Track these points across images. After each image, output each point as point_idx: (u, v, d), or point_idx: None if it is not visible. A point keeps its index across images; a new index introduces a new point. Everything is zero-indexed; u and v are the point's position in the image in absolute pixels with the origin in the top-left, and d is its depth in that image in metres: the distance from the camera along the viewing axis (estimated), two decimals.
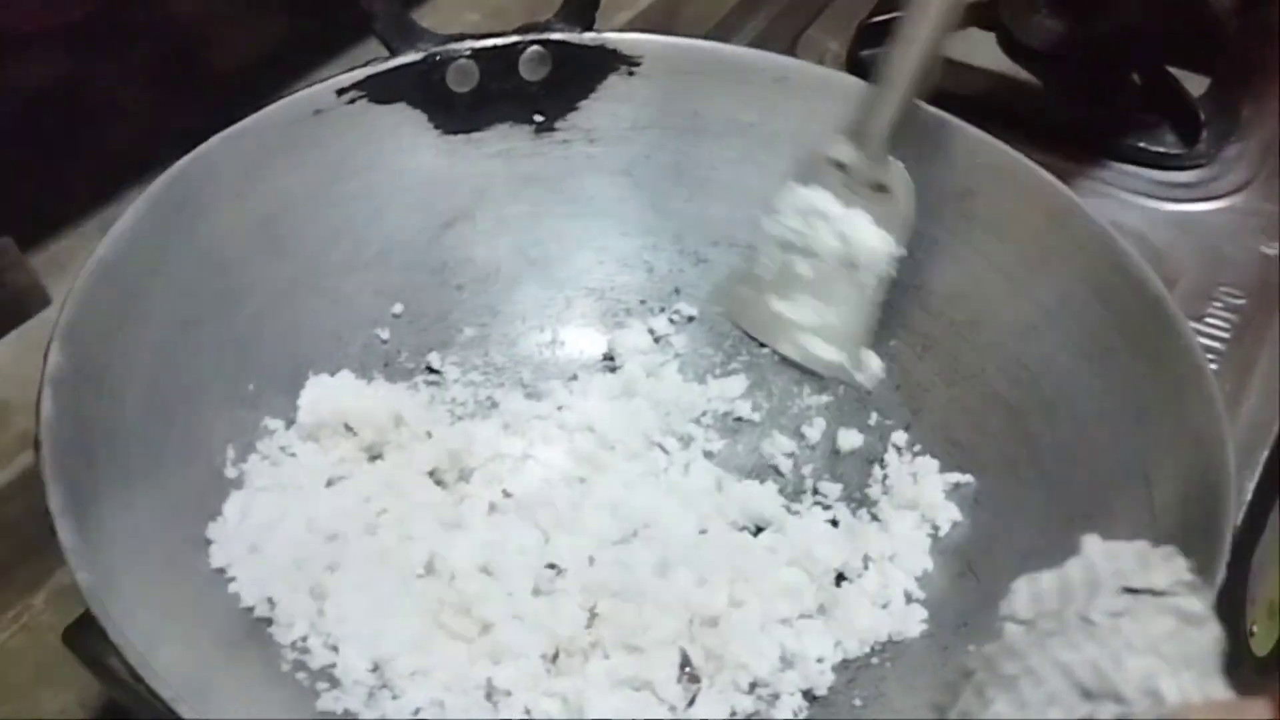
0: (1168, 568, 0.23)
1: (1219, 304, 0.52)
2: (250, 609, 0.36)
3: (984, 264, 0.46)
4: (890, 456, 0.46)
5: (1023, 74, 0.63)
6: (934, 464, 0.44)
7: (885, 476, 0.45)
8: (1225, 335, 0.50)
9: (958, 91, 0.61)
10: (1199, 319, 0.51)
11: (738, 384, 0.49)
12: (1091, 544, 0.24)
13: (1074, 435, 0.41)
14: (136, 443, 0.36)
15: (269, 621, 0.36)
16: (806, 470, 0.47)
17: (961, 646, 0.38)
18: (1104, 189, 0.57)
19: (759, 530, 0.44)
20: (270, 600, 0.36)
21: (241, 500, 0.39)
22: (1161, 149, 0.60)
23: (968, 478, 0.43)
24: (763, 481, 0.46)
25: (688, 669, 0.37)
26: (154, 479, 0.36)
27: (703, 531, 0.43)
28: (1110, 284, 0.41)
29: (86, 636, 0.42)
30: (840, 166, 0.45)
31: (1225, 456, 0.34)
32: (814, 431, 0.48)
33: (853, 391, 0.48)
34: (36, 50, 0.55)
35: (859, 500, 0.45)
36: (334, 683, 0.35)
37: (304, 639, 0.36)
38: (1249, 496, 0.43)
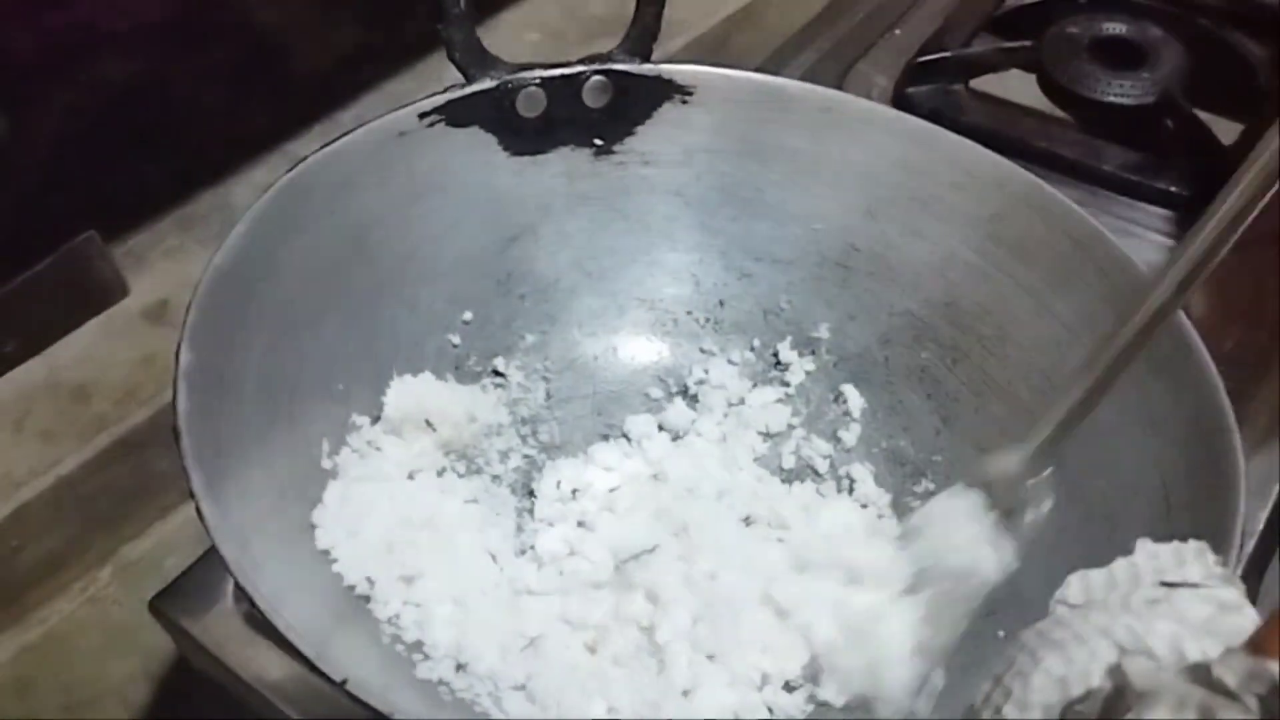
0: (1200, 562, 0.27)
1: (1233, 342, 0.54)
2: (352, 587, 0.40)
3: (1011, 284, 0.50)
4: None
5: (1059, 113, 0.67)
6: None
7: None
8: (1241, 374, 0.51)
9: (997, 127, 0.65)
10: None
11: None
12: (1141, 545, 0.28)
13: (1094, 443, 0.44)
14: (251, 435, 0.40)
15: (368, 599, 0.40)
16: (842, 471, 0.51)
17: (991, 632, 0.42)
18: (1131, 228, 0.60)
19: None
20: (369, 579, 0.40)
21: (338, 489, 0.42)
22: (1189, 193, 0.62)
23: None
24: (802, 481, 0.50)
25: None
26: (267, 467, 0.40)
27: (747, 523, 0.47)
28: (1129, 306, 0.45)
29: (171, 605, 0.46)
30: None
31: (1235, 461, 0.38)
32: (849, 436, 0.52)
33: (887, 401, 0.52)
34: (118, 49, 0.59)
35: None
36: (426, 655, 0.39)
37: (397, 615, 0.40)
38: (1260, 526, 0.46)
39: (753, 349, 0.55)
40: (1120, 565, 0.27)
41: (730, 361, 0.55)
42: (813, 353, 0.54)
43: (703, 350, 0.55)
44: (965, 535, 0.39)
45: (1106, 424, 0.44)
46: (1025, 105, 0.68)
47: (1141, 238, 0.61)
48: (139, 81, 0.61)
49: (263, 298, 0.43)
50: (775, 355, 0.54)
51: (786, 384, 0.54)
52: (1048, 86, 0.68)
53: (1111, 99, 0.65)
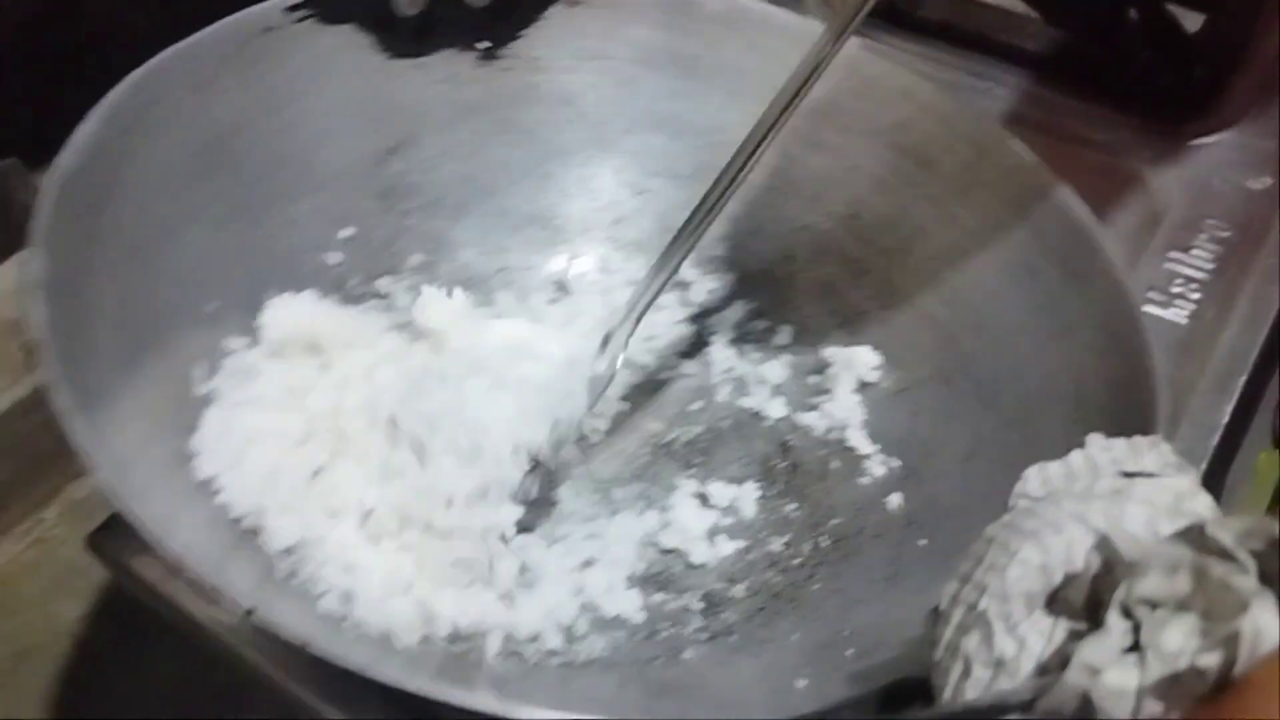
0: (1155, 452, 0.26)
1: (1205, 236, 0.53)
2: (239, 519, 0.36)
3: (914, 194, 0.49)
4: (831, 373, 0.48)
5: (1021, 8, 0.63)
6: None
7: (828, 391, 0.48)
8: (1210, 267, 0.52)
9: (960, 24, 0.61)
10: (1185, 250, 0.52)
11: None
12: (1092, 439, 0.27)
13: (1004, 350, 0.44)
14: (115, 357, 0.35)
15: (256, 532, 0.36)
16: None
17: (912, 542, 0.42)
18: (1098, 124, 0.58)
19: None
20: (258, 510, 0.36)
21: (217, 415, 0.38)
22: (1155, 84, 0.60)
23: (905, 389, 0.47)
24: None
25: None
26: (136, 391, 0.35)
27: None
28: (1035, 210, 0.45)
29: (110, 541, 0.41)
30: None
31: (1151, 364, 0.38)
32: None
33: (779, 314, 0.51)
34: None
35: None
36: (325, 591, 0.36)
37: (291, 547, 0.36)
38: (1225, 419, 0.45)
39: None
40: (1076, 457, 0.26)
41: (629, 282, 0.52)
42: (714, 271, 0.52)
43: (601, 270, 0.52)
44: None
45: (1013, 330, 0.44)
46: (986, 3, 0.63)
47: (1110, 133, 0.58)
48: (52, 6, 0.55)
49: (115, 207, 0.38)
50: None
51: (689, 304, 0.52)
52: None
53: None
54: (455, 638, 0.36)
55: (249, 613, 0.26)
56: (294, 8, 0.45)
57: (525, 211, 0.52)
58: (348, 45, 0.47)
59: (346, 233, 0.48)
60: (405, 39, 0.48)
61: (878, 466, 0.45)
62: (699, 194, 0.51)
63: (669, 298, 0.51)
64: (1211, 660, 0.19)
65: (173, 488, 0.34)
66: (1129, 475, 0.25)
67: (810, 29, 0.50)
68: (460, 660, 0.36)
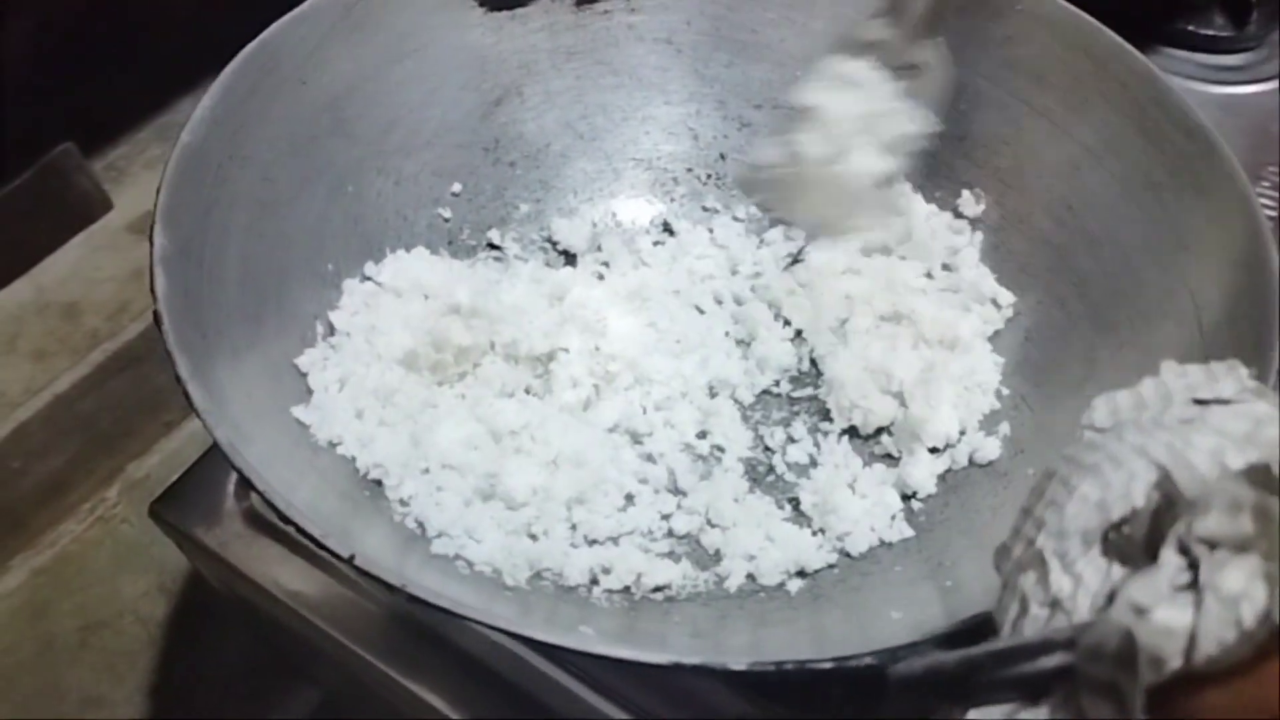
0: (1232, 377, 0.25)
1: (1267, 183, 0.52)
2: (362, 472, 0.38)
3: (1026, 110, 0.47)
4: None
5: None
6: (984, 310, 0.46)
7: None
8: (1272, 213, 0.51)
9: None
10: None
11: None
12: (1166, 366, 0.26)
13: (1120, 268, 0.42)
14: (239, 317, 0.38)
15: (379, 482, 0.38)
16: None
17: (1020, 472, 0.41)
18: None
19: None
20: (378, 464, 0.38)
21: (337, 373, 0.41)
22: (1211, 32, 0.60)
23: (1013, 315, 0.46)
24: None
25: None
26: (258, 350, 0.38)
27: None
28: (1153, 120, 0.42)
29: (170, 510, 0.45)
30: (875, 46, 0.43)
31: (1272, 273, 0.36)
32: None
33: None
34: None
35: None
36: (441, 533, 0.38)
37: (411, 496, 0.39)
38: None
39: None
40: (1148, 385, 0.25)
41: (735, 218, 0.52)
42: None
43: (705, 209, 0.52)
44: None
45: (1131, 248, 0.42)
46: None
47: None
48: None
49: (236, 176, 0.41)
50: None
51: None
52: None
53: None
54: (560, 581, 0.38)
55: (351, 558, 0.28)
56: None
57: (629, 155, 0.52)
58: (446, 2, 0.48)
59: (456, 187, 0.49)
60: None
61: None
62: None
63: (775, 233, 0.51)
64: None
65: (294, 440, 0.37)
66: (1202, 403, 0.24)
67: None
68: (567, 598, 0.37)
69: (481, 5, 0.49)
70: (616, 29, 0.51)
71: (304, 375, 0.40)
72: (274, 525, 0.44)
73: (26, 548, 0.61)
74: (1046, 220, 0.46)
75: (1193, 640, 0.19)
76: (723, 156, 0.53)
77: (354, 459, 0.38)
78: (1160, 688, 0.19)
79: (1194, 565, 0.20)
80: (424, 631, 0.42)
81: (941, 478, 0.42)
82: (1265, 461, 0.20)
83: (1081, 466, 0.23)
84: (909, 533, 0.40)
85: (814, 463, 0.44)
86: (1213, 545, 0.19)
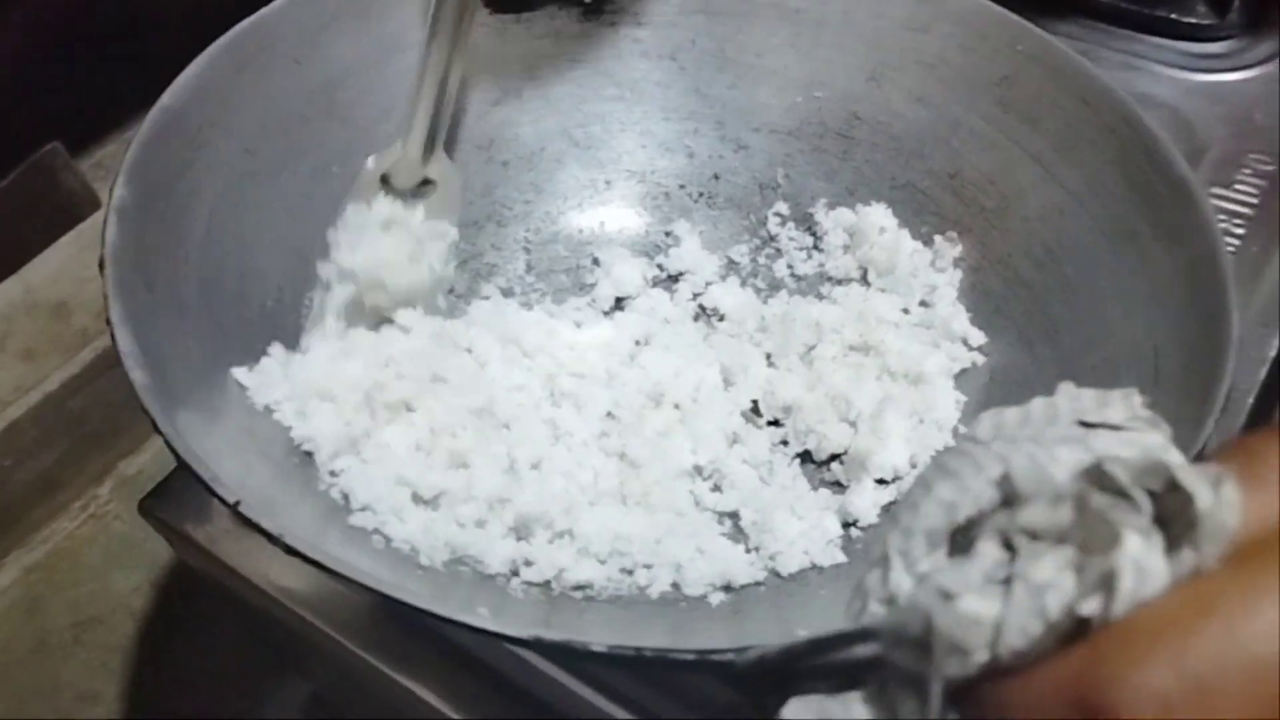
0: (1124, 404, 0.23)
1: (1248, 170, 0.53)
2: (293, 441, 0.38)
3: (1017, 151, 0.46)
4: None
5: None
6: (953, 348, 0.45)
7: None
8: (1254, 201, 0.52)
9: None
10: (1228, 186, 0.52)
11: None
12: (1063, 387, 0.25)
13: (1091, 315, 0.41)
14: (194, 278, 0.39)
15: (309, 455, 0.39)
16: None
17: None
18: (1136, 62, 0.59)
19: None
20: (312, 436, 0.38)
21: (287, 342, 0.41)
22: (1193, 20, 0.60)
23: (982, 359, 0.45)
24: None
25: None
26: (207, 313, 0.39)
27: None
28: (1138, 167, 0.41)
29: (160, 506, 0.45)
30: (386, 179, 0.46)
31: (1230, 328, 0.35)
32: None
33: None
34: None
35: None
36: (365, 506, 0.38)
37: (341, 470, 0.39)
38: (1273, 353, 0.46)
39: (747, 224, 0.52)
40: (1037, 403, 0.24)
41: (730, 238, 0.52)
42: (809, 230, 0.51)
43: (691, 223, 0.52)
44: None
45: (1106, 294, 0.41)
46: None
47: (1148, 71, 0.59)
48: None
49: (216, 144, 0.41)
50: (769, 233, 0.52)
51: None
52: None
53: None
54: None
55: (235, 505, 0.28)
56: None
57: (624, 166, 0.53)
58: None
59: None
60: None
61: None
62: (798, 148, 0.51)
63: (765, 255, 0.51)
64: (1091, 605, 0.18)
65: (230, 403, 0.37)
66: (1089, 425, 0.23)
67: None
68: (483, 585, 0.37)
69: (488, 6, 0.50)
70: (622, 41, 0.52)
71: (255, 340, 0.40)
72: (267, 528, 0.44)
73: (19, 545, 0.62)
74: (1026, 263, 0.45)
75: (998, 632, 0.18)
76: (716, 176, 0.53)
77: (289, 428, 0.38)
78: (968, 683, 0.18)
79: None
80: (413, 627, 0.42)
81: (885, 508, 0.41)
82: (1099, 461, 0.19)
83: (944, 470, 0.22)
84: (841, 559, 0.39)
85: (763, 482, 0.43)
86: (1034, 537, 0.19)
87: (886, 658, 0.19)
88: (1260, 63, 0.59)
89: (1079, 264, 0.43)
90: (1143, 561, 0.18)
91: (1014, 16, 0.47)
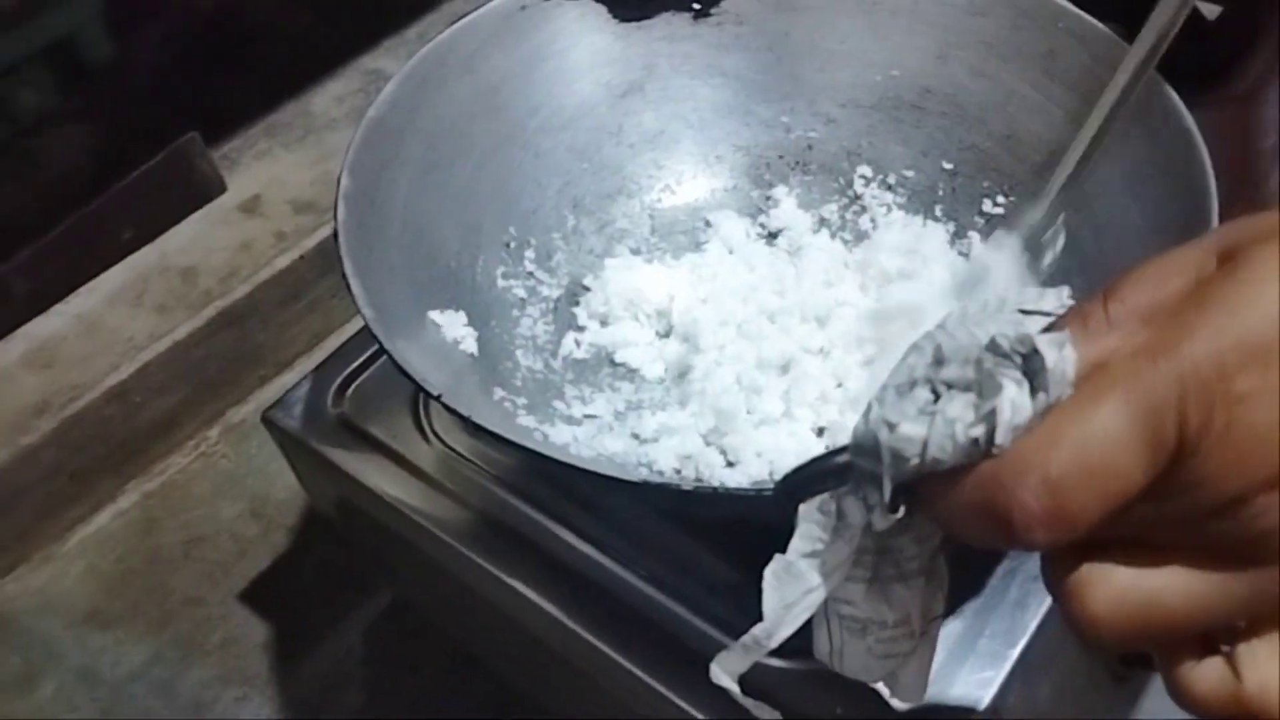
0: (1056, 296, 0.31)
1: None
2: (472, 355, 0.51)
3: (1062, 115, 0.54)
4: None
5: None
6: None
7: None
8: None
9: None
10: None
11: None
12: (1024, 289, 0.34)
13: (1115, 250, 0.50)
14: (395, 245, 0.51)
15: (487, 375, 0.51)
16: None
17: None
18: None
19: None
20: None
21: (476, 294, 0.54)
22: (1173, 56, 0.65)
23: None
24: None
25: None
26: (407, 271, 0.51)
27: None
28: (1152, 120, 0.49)
29: (280, 415, 0.58)
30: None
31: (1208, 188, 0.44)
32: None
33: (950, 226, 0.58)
34: None
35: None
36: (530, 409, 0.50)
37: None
38: None
39: (836, 185, 0.62)
40: (991, 298, 0.32)
41: (823, 199, 0.62)
42: (889, 187, 0.61)
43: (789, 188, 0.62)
44: (1008, 275, 0.52)
45: (1126, 232, 0.50)
46: None
47: None
48: (227, 7, 0.72)
49: (409, 143, 0.54)
50: (855, 193, 0.61)
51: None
52: None
53: None
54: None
55: (439, 396, 0.40)
56: None
57: (731, 142, 0.63)
58: (585, 14, 0.60)
59: (582, 164, 0.61)
60: (631, 6, 0.60)
61: None
62: (879, 119, 0.60)
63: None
64: (979, 430, 0.27)
65: (427, 331, 0.50)
66: (1026, 313, 0.32)
67: None
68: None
69: (614, 17, 0.61)
70: (726, 38, 0.62)
71: (443, 291, 0.53)
72: (363, 430, 0.56)
73: (140, 474, 0.73)
74: (1068, 207, 0.53)
75: (925, 447, 0.28)
76: (810, 147, 0.62)
77: (472, 354, 0.51)
78: (908, 483, 0.29)
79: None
80: (501, 526, 0.52)
81: None
82: (1002, 334, 0.28)
83: (914, 347, 0.32)
84: None
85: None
86: (950, 386, 0.29)
87: (856, 464, 0.30)
88: (1245, 90, 0.64)
89: (1107, 206, 0.51)
90: (1016, 401, 0.27)
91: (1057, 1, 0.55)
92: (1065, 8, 0.54)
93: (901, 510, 0.30)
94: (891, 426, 0.29)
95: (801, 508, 0.31)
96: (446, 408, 0.41)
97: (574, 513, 0.51)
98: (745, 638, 0.31)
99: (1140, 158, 0.49)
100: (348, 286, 0.45)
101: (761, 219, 0.61)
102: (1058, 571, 0.28)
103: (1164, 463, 0.25)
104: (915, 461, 0.28)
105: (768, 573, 0.31)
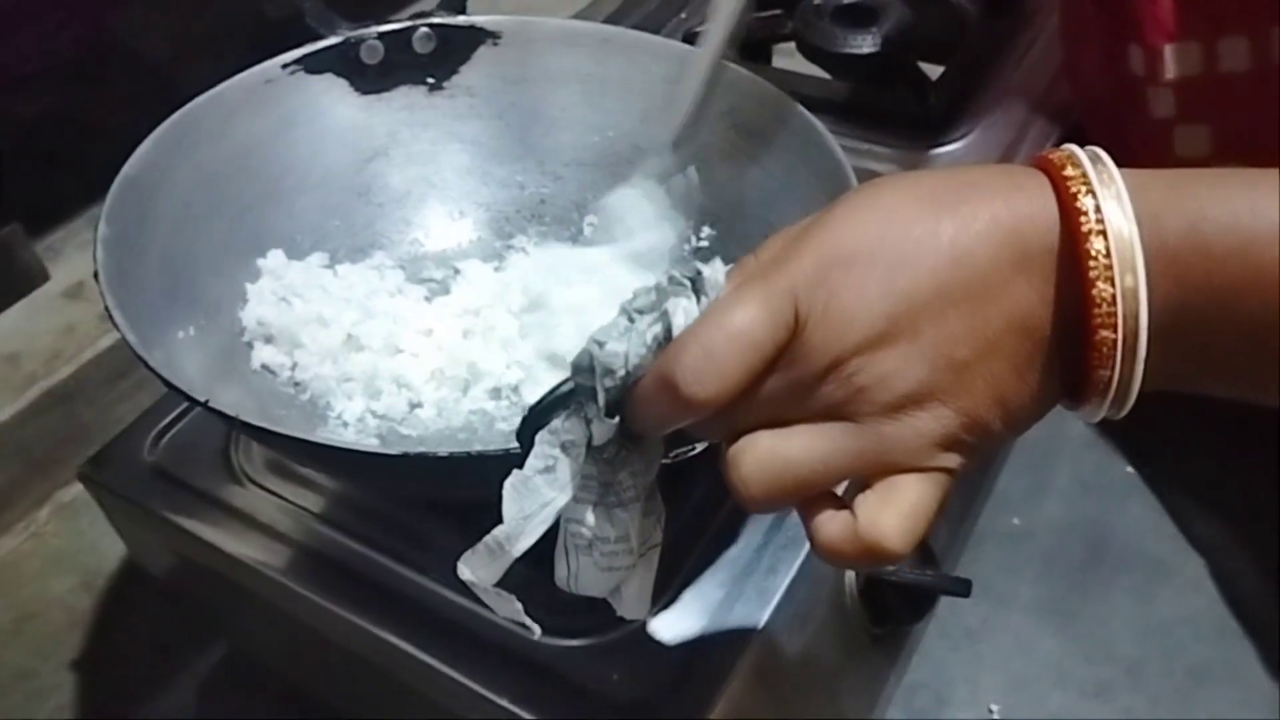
0: (710, 268, 0.40)
1: None
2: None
3: (745, 159, 0.65)
4: None
5: (813, 68, 0.87)
6: None
7: None
8: None
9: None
10: None
11: None
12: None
13: (758, 218, 0.60)
14: (156, 286, 0.54)
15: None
16: None
17: None
18: (868, 145, 0.81)
19: None
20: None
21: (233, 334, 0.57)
22: (904, 111, 0.82)
23: None
24: None
25: None
26: (167, 306, 0.54)
27: None
28: (814, 159, 0.60)
29: (97, 471, 0.60)
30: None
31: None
32: None
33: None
34: (31, 87, 0.73)
35: None
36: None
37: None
38: None
39: (569, 233, 0.70)
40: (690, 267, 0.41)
41: (559, 243, 0.69)
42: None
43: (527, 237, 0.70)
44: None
45: (764, 202, 0.60)
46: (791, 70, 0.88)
47: (875, 151, 0.80)
48: (53, 111, 0.76)
49: (163, 199, 0.58)
50: (586, 239, 0.69)
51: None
52: (802, 48, 0.88)
53: (848, 51, 0.84)
54: None
55: (205, 402, 0.44)
56: (286, 65, 0.64)
57: (471, 200, 0.70)
58: (329, 87, 0.66)
59: (335, 222, 0.66)
60: (371, 80, 0.67)
61: None
62: (600, 174, 0.69)
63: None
64: (658, 328, 0.35)
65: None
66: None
67: (673, 48, 0.67)
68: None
69: (355, 90, 0.67)
70: (460, 108, 0.69)
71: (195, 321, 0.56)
72: (178, 478, 0.60)
73: None
74: (759, 238, 0.62)
75: (627, 360, 0.35)
76: (542, 201, 0.70)
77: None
78: (620, 397, 0.35)
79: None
80: (316, 556, 0.56)
81: None
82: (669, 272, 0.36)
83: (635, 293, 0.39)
84: None
85: None
86: (641, 311, 0.36)
87: (577, 384, 0.36)
88: (952, 140, 0.81)
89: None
90: (686, 308, 0.35)
91: (734, 65, 0.65)
92: (742, 73, 0.65)
93: (617, 419, 0.36)
94: (600, 345, 0.36)
95: (537, 435, 0.38)
96: (211, 410, 0.44)
97: (381, 535, 0.56)
98: (487, 538, 0.37)
99: (808, 186, 0.59)
100: (110, 317, 0.48)
101: (499, 264, 0.68)
102: (722, 451, 0.35)
103: (784, 337, 0.33)
104: (622, 373, 0.35)
105: (507, 485, 0.37)
